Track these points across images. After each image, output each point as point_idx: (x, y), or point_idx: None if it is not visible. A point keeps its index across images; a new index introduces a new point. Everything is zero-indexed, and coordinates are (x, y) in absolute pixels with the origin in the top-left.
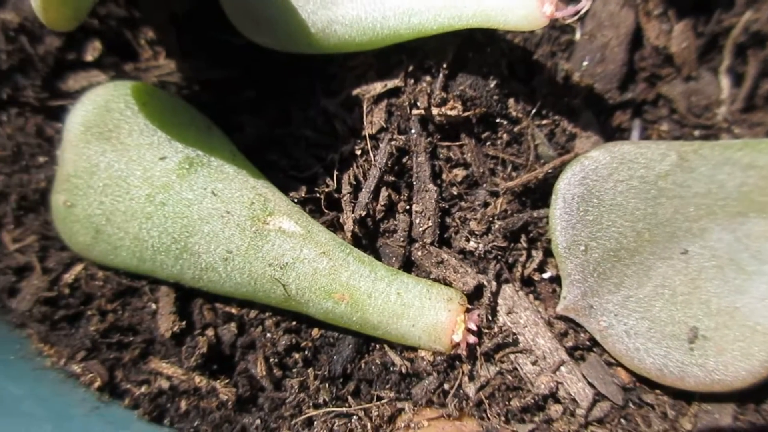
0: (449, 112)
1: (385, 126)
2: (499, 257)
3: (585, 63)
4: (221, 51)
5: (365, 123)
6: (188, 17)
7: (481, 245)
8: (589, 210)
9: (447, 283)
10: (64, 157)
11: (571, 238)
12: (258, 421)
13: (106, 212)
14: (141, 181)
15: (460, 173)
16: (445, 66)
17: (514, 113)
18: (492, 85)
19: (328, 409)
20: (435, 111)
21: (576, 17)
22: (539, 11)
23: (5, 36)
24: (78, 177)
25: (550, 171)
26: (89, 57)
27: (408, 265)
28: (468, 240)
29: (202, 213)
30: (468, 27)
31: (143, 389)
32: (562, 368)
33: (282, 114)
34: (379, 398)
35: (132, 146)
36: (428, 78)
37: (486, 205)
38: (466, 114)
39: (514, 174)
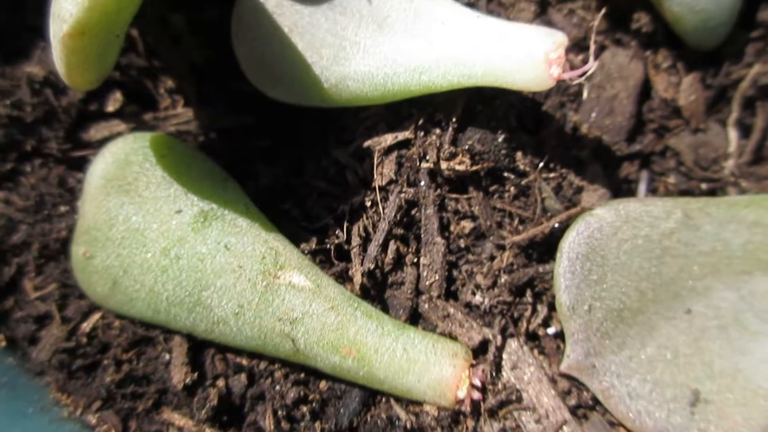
0: (458, 167)
1: (394, 178)
2: (505, 311)
3: (593, 115)
4: (238, 99)
5: (375, 174)
6: (207, 66)
7: (486, 299)
8: (593, 269)
9: (453, 337)
10: (84, 209)
11: (575, 297)
12: None
13: (124, 264)
14: (157, 235)
15: (467, 225)
16: (454, 120)
17: (521, 166)
18: (500, 140)
19: None
20: (444, 165)
21: (583, 77)
22: (547, 73)
23: (31, 89)
24: (97, 229)
25: (556, 225)
26: (110, 108)
27: (415, 317)
28: (474, 294)
29: (215, 267)
30: (477, 85)
31: None
32: (565, 428)
33: (296, 162)
34: None
35: (149, 199)
36: (438, 131)
37: (492, 258)
38: (474, 168)
39: (520, 227)
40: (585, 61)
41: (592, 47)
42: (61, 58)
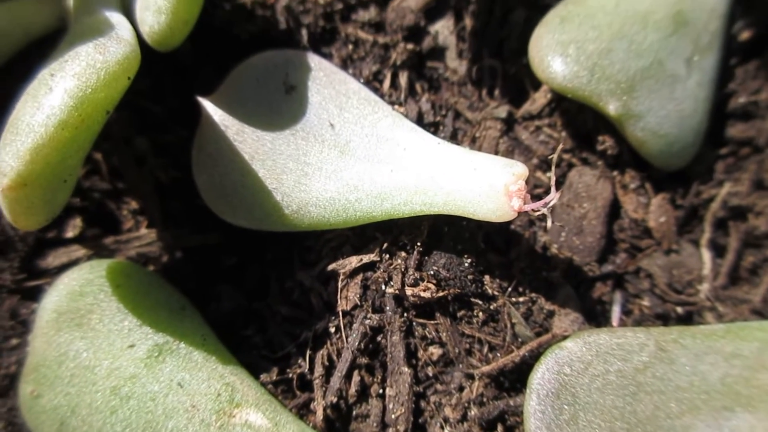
0: (422, 294)
1: (359, 303)
2: None
3: (563, 234)
4: (204, 216)
5: (340, 299)
6: (172, 185)
7: None
8: (564, 408)
9: None
10: (34, 344)
11: None
12: None
13: (72, 404)
14: (108, 372)
15: (435, 352)
16: (419, 243)
17: (489, 291)
18: (466, 264)
19: None
20: (408, 291)
21: (546, 207)
22: (507, 205)
23: None
24: (46, 366)
25: (526, 354)
26: (70, 234)
27: None
28: (443, 428)
29: (166, 407)
30: (439, 213)
31: None
32: None
33: (260, 282)
34: None
35: (102, 333)
36: (403, 254)
37: (461, 389)
38: (440, 294)
39: (490, 355)
40: (545, 204)
41: (553, 179)
42: (4, 206)
